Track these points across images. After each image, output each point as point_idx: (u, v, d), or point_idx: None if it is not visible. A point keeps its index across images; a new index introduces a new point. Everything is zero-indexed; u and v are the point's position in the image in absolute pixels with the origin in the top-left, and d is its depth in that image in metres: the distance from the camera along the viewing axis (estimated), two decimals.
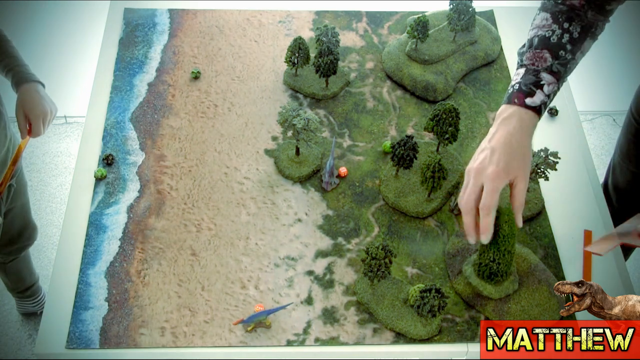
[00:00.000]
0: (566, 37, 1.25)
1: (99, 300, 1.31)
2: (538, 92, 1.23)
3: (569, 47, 1.25)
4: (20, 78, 1.57)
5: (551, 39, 1.26)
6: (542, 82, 1.24)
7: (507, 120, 1.22)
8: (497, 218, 1.23)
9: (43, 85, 1.61)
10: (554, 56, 1.25)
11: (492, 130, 1.24)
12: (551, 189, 1.50)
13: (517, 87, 1.25)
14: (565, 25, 1.25)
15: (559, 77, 1.26)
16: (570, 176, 1.53)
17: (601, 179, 1.71)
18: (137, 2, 1.82)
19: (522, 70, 1.27)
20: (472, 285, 1.31)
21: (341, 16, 1.82)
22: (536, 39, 1.27)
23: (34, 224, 2.01)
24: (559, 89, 1.28)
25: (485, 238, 1.19)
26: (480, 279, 1.31)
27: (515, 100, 1.23)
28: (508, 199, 1.41)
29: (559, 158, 1.38)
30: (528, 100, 1.22)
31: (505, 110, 1.24)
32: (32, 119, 1.56)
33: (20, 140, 1.58)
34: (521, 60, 1.28)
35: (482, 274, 1.30)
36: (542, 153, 1.38)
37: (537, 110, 1.23)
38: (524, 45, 1.30)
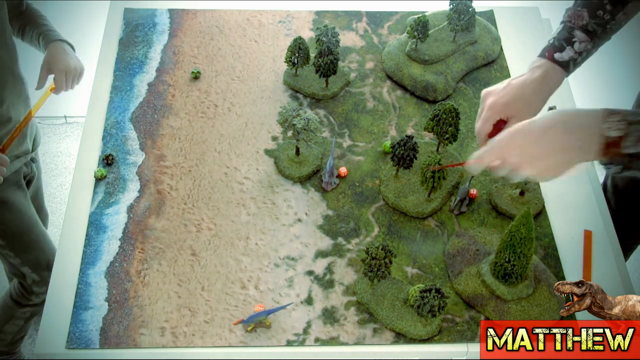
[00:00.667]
0: None
1: (99, 300, 1.31)
2: (568, 48, 1.28)
3: (608, 7, 1.27)
4: (48, 39, 1.62)
5: None
6: (573, 40, 1.28)
7: (534, 70, 1.29)
8: (514, 219, 1.25)
9: (72, 47, 1.65)
10: (591, 15, 1.27)
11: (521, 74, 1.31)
12: (551, 189, 1.50)
13: (550, 42, 1.30)
14: None
15: (594, 36, 1.28)
16: (570, 176, 1.53)
17: (601, 179, 1.71)
18: (137, 2, 1.82)
19: (560, 26, 1.31)
20: (486, 283, 1.31)
21: (341, 16, 1.82)
22: None
23: (46, 210, 2.03)
24: (595, 47, 1.30)
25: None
26: (494, 278, 1.31)
27: (546, 54, 1.29)
28: (527, 205, 1.42)
29: None
30: (557, 55, 1.28)
31: (536, 62, 1.30)
32: (55, 74, 1.59)
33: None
34: (563, 17, 1.32)
35: (496, 273, 1.30)
36: None
37: (565, 66, 1.28)
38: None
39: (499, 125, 1.28)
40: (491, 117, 1.27)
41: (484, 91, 1.30)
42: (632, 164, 1.07)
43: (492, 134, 1.26)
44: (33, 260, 1.87)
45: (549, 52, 1.29)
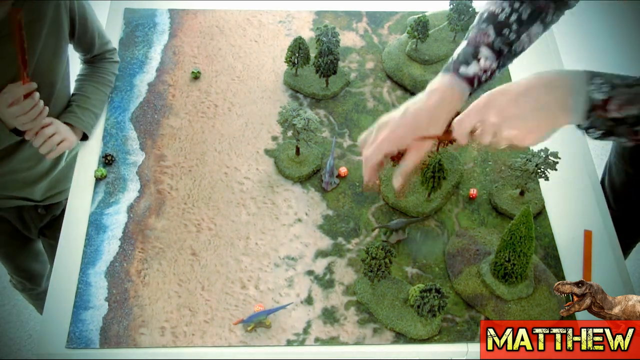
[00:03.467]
0: (514, 16, 1.23)
1: (99, 300, 1.31)
2: (473, 62, 1.22)
3: (514, 27, 1.23)
4: (78, 119, 1.52)
5: (499, 16, 1.24)
6: (479, 56, 1.23)
7: (433, 91, 1.21)
8: (513, 218, 1.25)
9: (86, 137, 1.54)
10: (497, 33, 1.23)
11: (421, 94, 1.23)
12: (551, 189, 1.50)
13: (454, 58, 1.24)
14: (516, 5, 1.23)
15: (500, 55, 1.24)
16: (570, 176, 1.53)
17: (600, 179, 1.71)
18: (137, 2, 1.82)
19: (464, 43, 1.26)
20: (486, 283, 1.31)
21: (341, 16, 1.82)
22: (485, 14, 1.25)
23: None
24: (499, 69, 1.26)
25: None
26: (494, 278, 1.31)
27: (450, 68, 1.23)
28: (528, 203, 1.42)
29: (559, 158, 1.38)
30: (462, 69, 1.22)
31: (435, 82, 1.23)
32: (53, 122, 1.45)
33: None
34: (467, 36, 1.27)
35: (497, 273, 1.30)
36: (542, 153, 1.38)
37: (469, 81, 1.22)
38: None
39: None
40: (384, 149, 1.20)
41: (380, 121, 1.23)
42: (614, 130, 1.05)
43: (396, 157, 1.24)
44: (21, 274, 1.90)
45: (454, 67, 1.22)
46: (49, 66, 1.45)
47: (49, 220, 1.75)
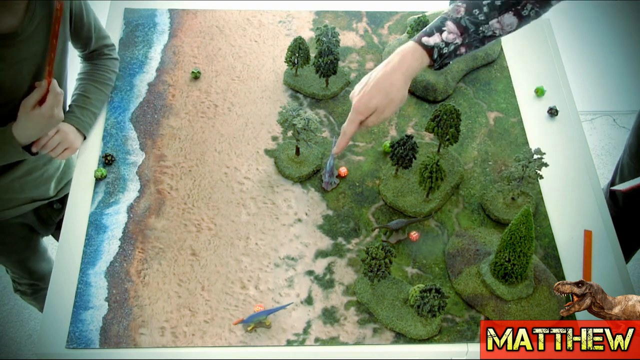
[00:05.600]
0: None
1: (99, 300, 1.31)
2: (436, 34, 1.29)
3: (485, 9, 1.28)
4: (76, 122, 1.52)
5: None
6: (443, 28, 1.29)
7: (395, 56, 1.31)
8: (514, 218, 1.25)
9: (84, 137, 1.54)
10: (466, 11, 1.29)
11: (385, 60, 1.33)
12: (551, 189, 1.50)
13: (424, 31, 1.32)
14: None
15: (465, 32, 1.29)
16: (570, 176, 1.53)
17: (601, 179, 1.71)
18: (137, 2, 1.82)
19: (437, 19, 1.33)
20: (486, 283, 1.31)
21: (341, 16, 1.82)
22: None
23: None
24: (465, 47, 1.31)
25: (335, 152, 1.37)
26: (494, 278, 1.31)
27: (416, 38, 1.31)
28: (527, 204, 1.42)
29: (544, 153, 1.37)
30: (424, 39, 1.29)
31: (402, 46, 1.32)
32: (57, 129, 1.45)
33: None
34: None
35: (496, 273, 1.30)
36: (535, 156, 1.37)
37: (428, 50, 1.29)
38: None
39: None
40: (356, 118, 1.31)
41: (351, 94, 1.34)
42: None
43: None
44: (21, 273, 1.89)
45: (419, 36, 1.30)
46: (59, 65, 1.46)
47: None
